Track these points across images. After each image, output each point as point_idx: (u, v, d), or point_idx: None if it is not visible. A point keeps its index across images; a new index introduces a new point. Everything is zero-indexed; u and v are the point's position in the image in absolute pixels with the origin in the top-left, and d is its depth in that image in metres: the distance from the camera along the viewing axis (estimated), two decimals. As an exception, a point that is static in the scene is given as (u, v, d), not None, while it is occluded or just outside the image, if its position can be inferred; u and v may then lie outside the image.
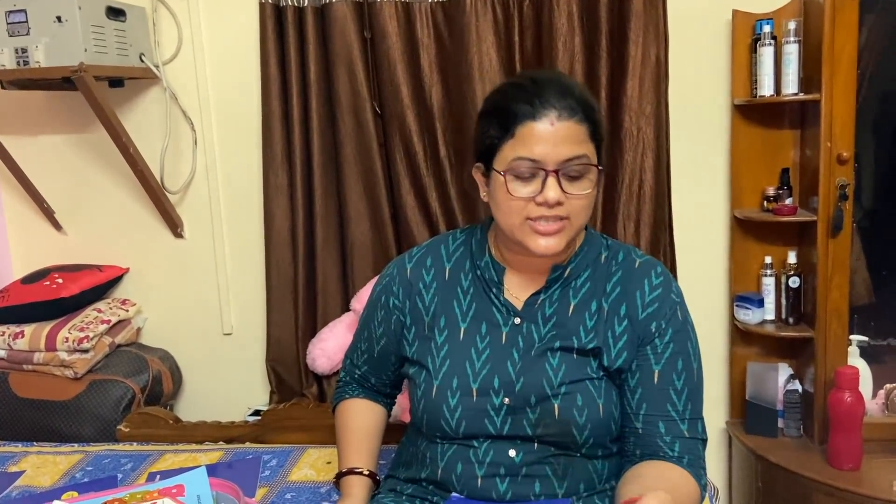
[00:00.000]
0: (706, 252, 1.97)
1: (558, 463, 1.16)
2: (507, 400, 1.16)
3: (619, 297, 1.18)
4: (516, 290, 1.22)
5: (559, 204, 1.10)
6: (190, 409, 2.21)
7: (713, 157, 1.94)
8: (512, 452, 1.16)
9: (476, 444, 1.17)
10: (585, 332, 1.17)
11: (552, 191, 1.09)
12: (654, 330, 1.16)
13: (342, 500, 1.28)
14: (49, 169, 2.16)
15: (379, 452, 1.40)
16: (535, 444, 1.15)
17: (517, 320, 1.20)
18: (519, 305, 1.21)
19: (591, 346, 1.16)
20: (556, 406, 1.14)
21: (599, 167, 1.13)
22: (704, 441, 1.17)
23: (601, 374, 1.16)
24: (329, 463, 1.64)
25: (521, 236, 1.13)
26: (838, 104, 1.69)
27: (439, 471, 1.19)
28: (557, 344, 1.17)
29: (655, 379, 1.15)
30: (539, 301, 1.20)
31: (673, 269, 1.92)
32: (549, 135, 1.08)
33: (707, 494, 1.53)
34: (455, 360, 1.19)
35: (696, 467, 1.14)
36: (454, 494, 1.18)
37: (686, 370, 1.16)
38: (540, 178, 1.10)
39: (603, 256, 1.23)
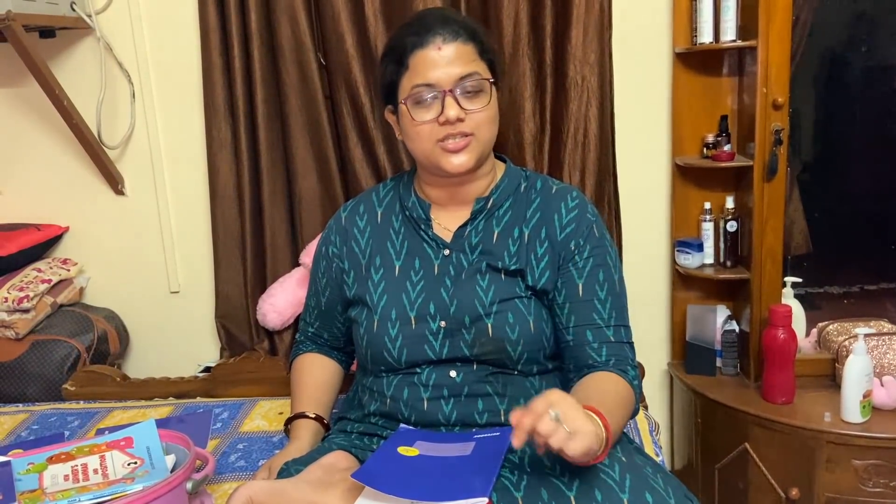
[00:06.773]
0: (649, 199, 2.01)
1: (497, 381, 1.22)
2: (443, 323, 1.22)
3: (538, 222, 1.26)
4: (445, 224, 1.29)
5: (460, 120, 1.18)
6: (139, 368, 2.19)
7: (655, 105, 1.96)
8: (453, 373, 1.22)
9: (419, 370, 1.23)
10: (509, 256, 1.24)
11: (451, 109, 1.18)
12: (573, 248, 1.24)
13: (289, 444, 1.31)
14: (-20, 126, 2.08)
15: (332, 405, 1.44)
16: (474, 365, 1.22)
17: (446, 251, 1.27)
18: (448, 238, 1.28)
19: (514, 267, 1.23)
20: (489, 325, 1.20)
21: (492, 81, 1.22)
22: (630, 344, 1.24)
23: (528, 293, 1.23)
24: (281, 413, 1.65)
25: (435, 159, 1.21)
26: (774, 50, 1.73)
27: (387, 400, 1.24)
28: (485, 265, 1.24)
29: (580, 292, 1.23)
30: (466, 232, 1.27)
31: (617, 217, 1.96)
32: (439, 58, 1.19)
33: (649, 430, 1.60)
34: (392, 293, 1.25)
35: (623, 366, 1.20)
36: (402, 425, 1.22)
37: (607, 281, 1.24)
38: (439, 100, 1.19)
39: (522, 186, 1.31)
